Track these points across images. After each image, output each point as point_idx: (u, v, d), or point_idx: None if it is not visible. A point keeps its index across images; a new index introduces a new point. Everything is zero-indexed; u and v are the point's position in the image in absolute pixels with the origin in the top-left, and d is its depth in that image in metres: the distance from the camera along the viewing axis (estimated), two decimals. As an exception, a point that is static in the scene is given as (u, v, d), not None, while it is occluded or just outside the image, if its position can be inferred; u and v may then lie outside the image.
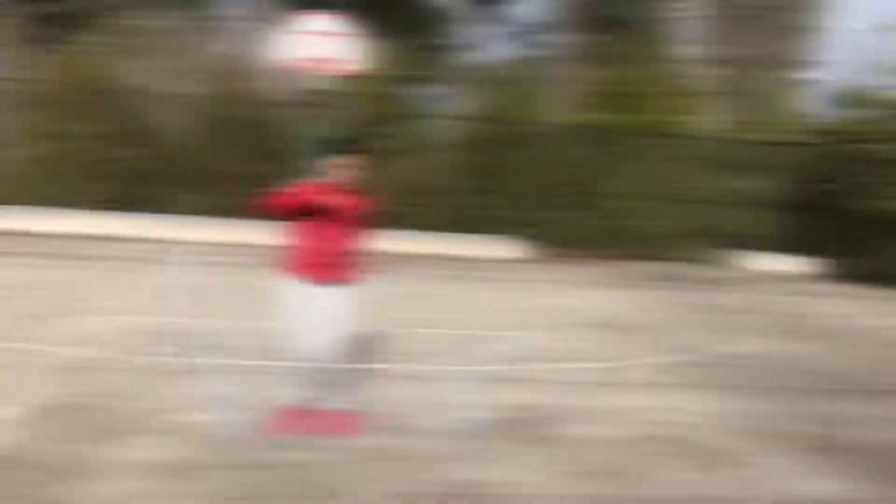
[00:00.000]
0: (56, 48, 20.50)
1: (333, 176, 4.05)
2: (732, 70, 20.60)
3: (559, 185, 18.20)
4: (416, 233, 16.72)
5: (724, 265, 17.48)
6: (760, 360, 7.16)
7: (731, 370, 6.65)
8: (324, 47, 12.98)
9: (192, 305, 7.53)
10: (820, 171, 18.94)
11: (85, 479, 3.33)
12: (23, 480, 3.29)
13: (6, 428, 3.89)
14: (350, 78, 17.61)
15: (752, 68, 20.39)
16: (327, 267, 4.05)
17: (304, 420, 4.18)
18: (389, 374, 5.63)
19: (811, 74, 21.00)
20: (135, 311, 7.37)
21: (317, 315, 4.06)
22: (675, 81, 18.89)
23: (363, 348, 4.29)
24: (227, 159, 17.57)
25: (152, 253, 12.35)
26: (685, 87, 19.50)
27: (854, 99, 19.27)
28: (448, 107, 21.02)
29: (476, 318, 8.38)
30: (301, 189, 4.02)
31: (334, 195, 4.02)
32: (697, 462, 4.14)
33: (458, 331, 7.54)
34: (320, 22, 12.70)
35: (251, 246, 14.32)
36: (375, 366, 5.83)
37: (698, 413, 5.15)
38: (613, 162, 18.33)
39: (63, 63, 17.44)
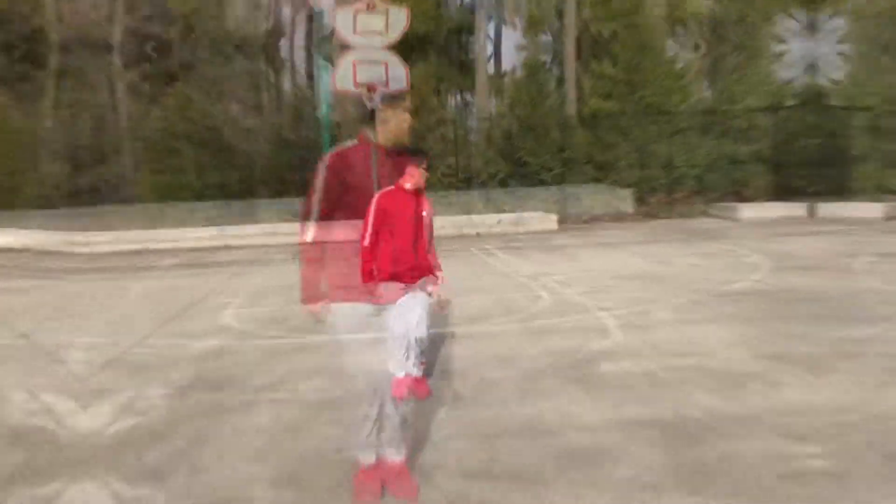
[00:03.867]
0: (159, 97, 21.56)
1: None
2: (717, 51, 20.65)
3: (579, 164, 18.62)
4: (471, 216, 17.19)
5: (727, 217, 17.71)
6: (769, 293, 7.64)
7: (742, 303, 7.18)
8: (372, 73, 13.54)
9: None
10: (797, 130, 18.87)
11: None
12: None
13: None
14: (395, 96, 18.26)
15: (736, 48, 20.33)
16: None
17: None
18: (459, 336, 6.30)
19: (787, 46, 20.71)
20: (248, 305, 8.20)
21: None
22: (668, 67, 19.05)
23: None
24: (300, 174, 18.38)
25: (255, 256, 13.21)
26: (677, 70, 19.64)
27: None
28: (479, 110, 21.56)
29: (503, 284, 8.95)
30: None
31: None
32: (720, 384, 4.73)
33: (503, 295, 8.16)
34: (367, 52, 13.25)
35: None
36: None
37: (720, 341, 5.73)
38: (621, 141, 18.65)
39: (167, 108, 18.46)
